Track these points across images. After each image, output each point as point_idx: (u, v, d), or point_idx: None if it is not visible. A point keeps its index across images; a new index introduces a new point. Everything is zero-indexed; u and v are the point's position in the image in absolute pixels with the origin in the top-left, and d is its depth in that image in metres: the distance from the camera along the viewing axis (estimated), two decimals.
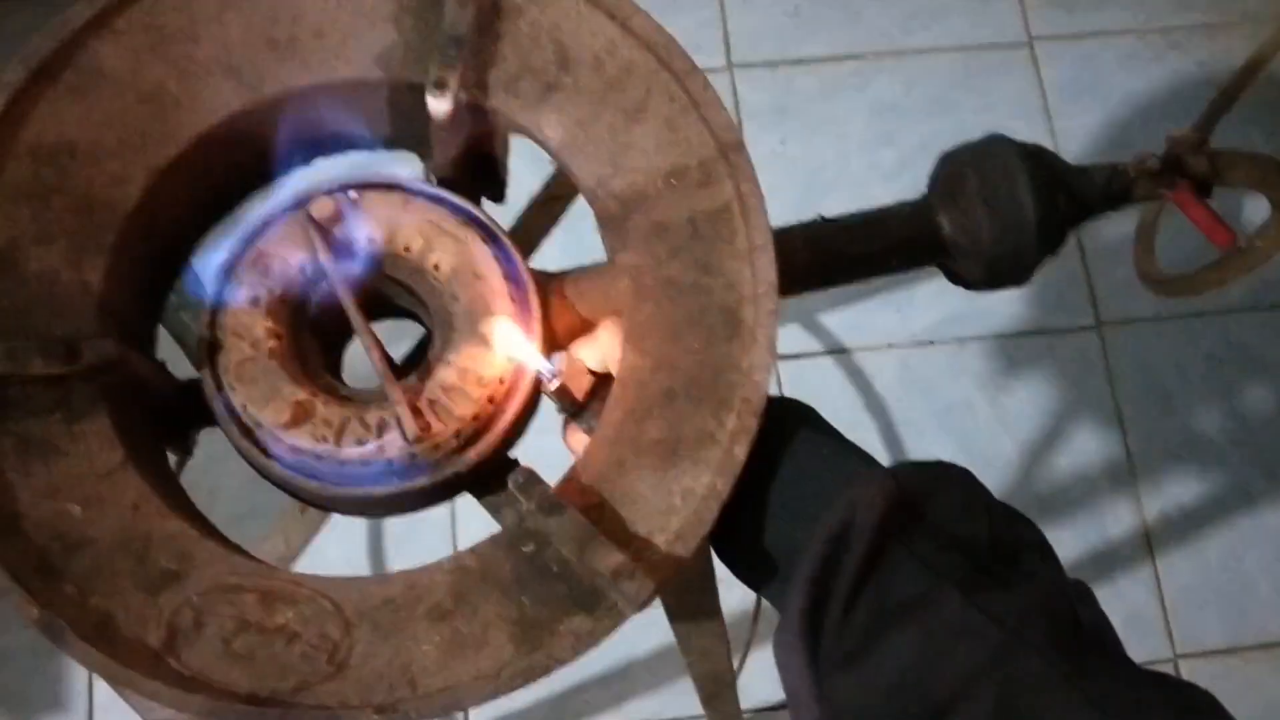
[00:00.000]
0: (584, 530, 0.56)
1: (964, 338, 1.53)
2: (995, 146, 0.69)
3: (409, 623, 0.57)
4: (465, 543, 0.59)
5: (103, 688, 1.33)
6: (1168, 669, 1.41)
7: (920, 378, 1.51)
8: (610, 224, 0.64)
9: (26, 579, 0.55)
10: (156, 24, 0.63)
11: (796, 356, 1.50)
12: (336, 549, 1.20)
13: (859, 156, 1.60)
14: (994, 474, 1.47)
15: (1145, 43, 1.65)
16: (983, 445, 1.49)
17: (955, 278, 0.73)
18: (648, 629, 1.35)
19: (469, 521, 1.36)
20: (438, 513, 1.39)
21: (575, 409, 0.63)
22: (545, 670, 0.54)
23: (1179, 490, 1.48)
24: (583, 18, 0.64)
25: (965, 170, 0.69)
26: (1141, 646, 1.42)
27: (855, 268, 0.70)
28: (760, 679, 1.35)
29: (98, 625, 0.55)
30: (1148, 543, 1.46)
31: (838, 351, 1.52)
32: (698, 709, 1.31)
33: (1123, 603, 1.44)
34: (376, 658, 0.56)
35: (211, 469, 0.72)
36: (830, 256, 0.69)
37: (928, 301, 1.53)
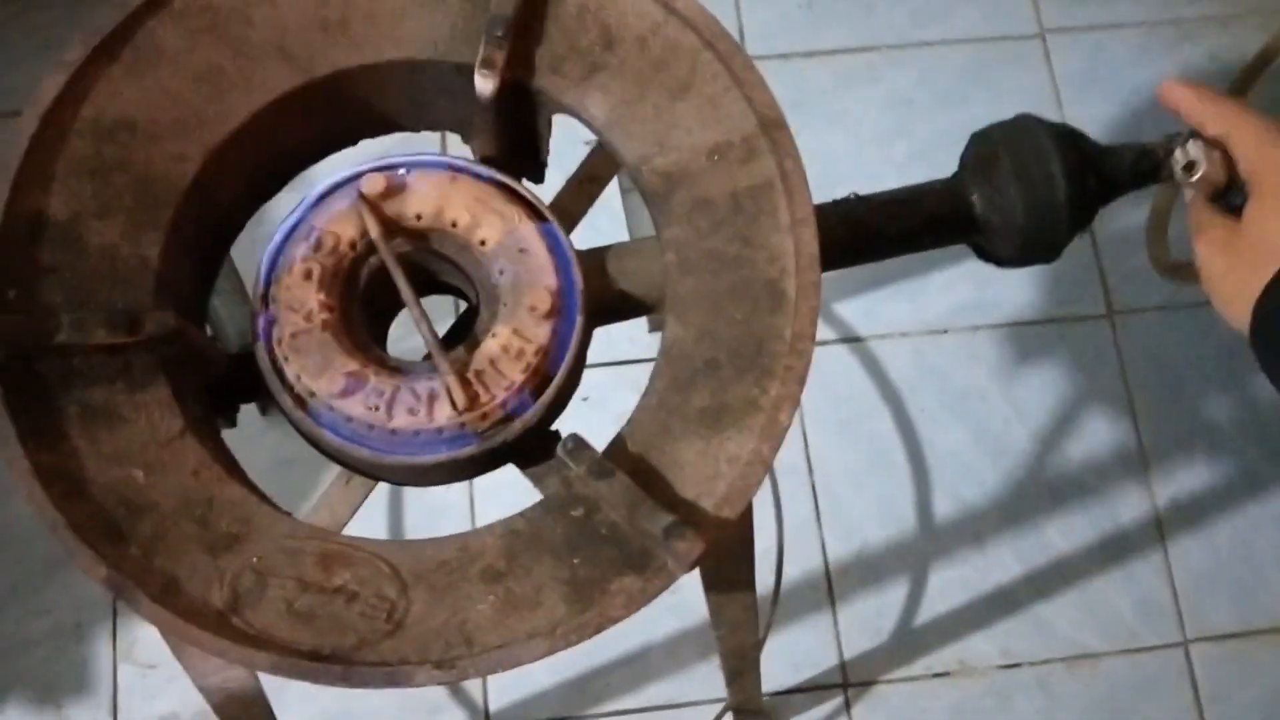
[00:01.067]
0: (633, 494, 0.58)
1: (976, 326, 1.54)
2: (1027, 126, 0.71)
3: (463, 583, 0.58)
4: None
5: (126, 674, 1.35)
6: (1178, 653, 1.43)
7: (933, 366, 1.53)
8: (654, 199, 0.65)
9: (94, 541, 0.56)
10: (212, 5, 0.65)
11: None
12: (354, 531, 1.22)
13: (872, 149, 1.61)
14: (1007, 461, 1.49)
15: (1156, 34, 1.67)
16: (996, 433, 1.50)
17: (985, 255, 0.74)
18: (666, 614, 1.37)
19: (486, 506, 1.38)
20: (457, 497, 1.41)
21: (1219, 191, 0.64)
22: (598, 628, 0.56)
23: (1190, 477, 1.50)
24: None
25: (997, 149, 0.70)
26: (1152, 630, 1.44)
27: (889, 245, 0.72)
28: (779, 662, 1.38)
29: (164, 586, 0.56)
30: (1159, 528, 1.48)
31: (852, 340, 1.53)
32: (717, 693, 1.33)
33: (1134, 587, 1.45)
34: (433, 617, 0.57)
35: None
36: (865, 233, 0.70)
37: (940, 290, 1.55)
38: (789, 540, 1.30)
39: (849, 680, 1.41)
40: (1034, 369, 1.53)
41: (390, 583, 0.58)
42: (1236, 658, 1.44)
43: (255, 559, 0.58)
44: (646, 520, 0.57)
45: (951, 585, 1.44)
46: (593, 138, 0.78)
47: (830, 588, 1.43)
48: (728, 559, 0.73)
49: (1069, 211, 0.69)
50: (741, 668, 0.94)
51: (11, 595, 1.35)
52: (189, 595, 0.56)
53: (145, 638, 1.35)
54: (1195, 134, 0.67)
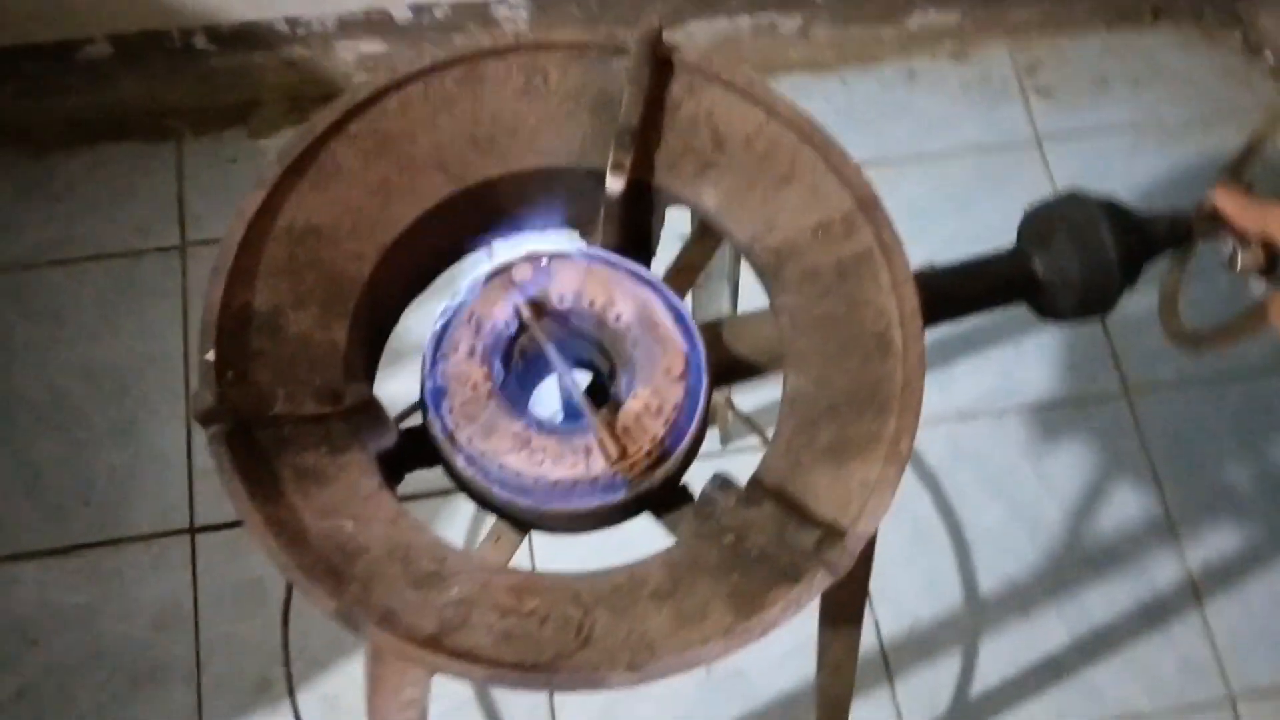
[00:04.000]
0: (781, 517, 0.67)
1: (1003, 410, 1.64)
2: (1076, 199, 0.82)
3: (636, 603, 0.67)
4: None
5: None
6: (1226, 711, 1.50)
7: (967, 449, 1.62)
8: (767, 272, 0.76)
9: (321, 579, 0.65)
10: (381, 128, 0.76)
11: None
12: None
13: None
14: (1043, 536, 1.57)
15: (1144, 136, 1.81)
16: (1030, 510, 1.59)
17: (1045, 312, 0.85)
18: (734, 699, 1.43)
19: None
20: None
21: (1265, 271, 0.76)
22: (764, 631, 0.64)
23: (1218, 540, 1.58)
24: (734, 105, 0.78)
25: (1053, 220, 0.81)
26: (1197, 689, 1.51)
27: (962, 305, 0.82)
28: None
29: (383, 616, 0.65)
30: (1194, 591, 1.56)
31: None
32: None
33: (1176, 650, 1.53)
34: (616, 632, 0.66)
35: None
36: (941, 296, 0.81)
37: (967, 377, 1.65)
38: None
39: None
40: (1060, 447, 1.63)
41: (574, 605, 0.67)
42: None
43: (456, 591, 0.66)
44: (796, 538, 0.65)
45: (1002, 656, 1.51)
46: (687, 231, 0.90)
47: (887, 665, 1.50)
48: (848, 585, 0.81)
49: (1120, 269, 0.80)
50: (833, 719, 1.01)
51: (96, 713, 1.40)
52: (405, 623, 0.65)
53: None
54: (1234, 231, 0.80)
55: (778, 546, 0.66)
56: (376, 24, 1.63)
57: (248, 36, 1.61)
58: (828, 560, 0.64)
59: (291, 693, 1.29)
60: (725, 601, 0.66)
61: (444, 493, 1.45)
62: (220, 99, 1.70)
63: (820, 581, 0.65)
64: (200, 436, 1.52)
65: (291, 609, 1.28)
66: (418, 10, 1.62)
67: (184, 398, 1.55)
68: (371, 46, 1.66)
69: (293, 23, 1.61)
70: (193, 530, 1.48)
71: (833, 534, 0.66)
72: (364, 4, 1.60)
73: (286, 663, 1.14)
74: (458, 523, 1.48)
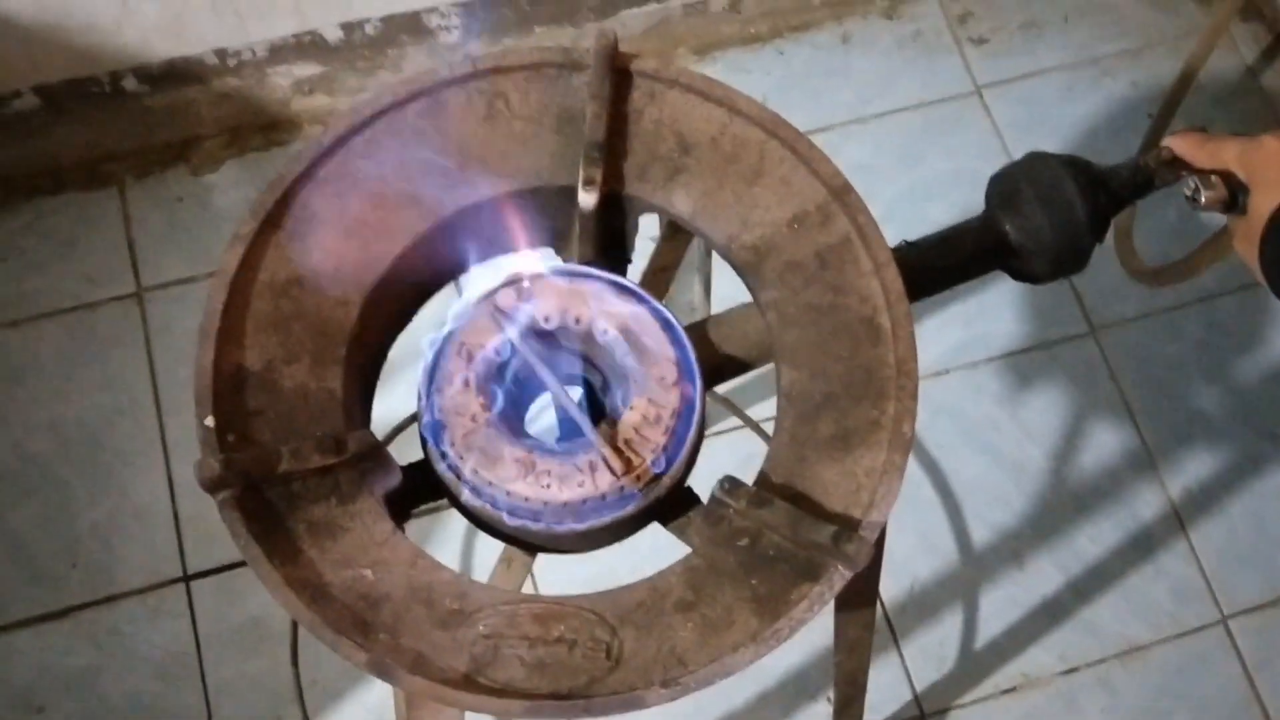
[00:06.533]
0: (793, 515, 0.67)
1: (975, 362, 1.66)
2: (1040, 161, 0.83)
3: (662, 617, 0.67)
4: None
5: None
6: (1219, 630, 1.53)
7: (943, 404, 1.64)
8: (748, 270, 0.76)
9: (348, 632, 0.65)
10: (351, 170, 0.76)
11: None
12: None
13: None
14: (1027, 481, 1.60)
15: (1079, 74, 1.83)
16: (1012, 456, 1.61)
17: (1021, 275, 0.86)
18: (747, 682, 1.44)
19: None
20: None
21: (1228, 205, 0.78)
22: (790, 631, 0.65)
23: (1196, 465, 1.62)
24: (696, 108, 0.78)
25: (1019, 184, 0.82)
26: (1191, 613, 1.54)
27: (941, 279, 0.83)
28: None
29: (414, 661, 0.65)
30: (1178, 519, 1.59)
31: None
32: None
33: (1166, 577, 1.56)
34: (645, 649, 0.66)
35: None
36: (920, 272, 0.81)
37: (933, 336, 1.67)
38: None
39: (925, 711, 1.49)
40: (1035, 392, 1.65)
41: (600, 627, 0.67)
42: (1273, 625, 1.55)
43: (482, 627, 0.67)
44: (811, 534, 0.66)
45: (1002, 605, 1.54)
46: (658, 234, 0.90)
47: (891, 627, 1.52)
48: (863, 571, 0.82)
49: (1089, 225, 0.81)
50: (851, 695, 1.03)
51: None
52: (437, 665, 0.65)
53: None
54: (1193, 170, 0.82)
55: (794, 545, 0.67)
56: (308, 46, 1.61)
57: (178, 73, 1.59)
58: (845, 554, 0.64)
59: None
60: (749, 606, 0.67)
61: (432, 511, 1.46)
62: (158, 138, 1.67)
63: (840, 576, 0.66)
64: (183, 482, 1.51)
65: (299, 645, 1.28)
66: (348, 28, 1.60)
67: (160, 445, 1.53)
68: (306, 69, 1.64)
69: (221, 54, 1.59)
70: (186, 578, 1.47)
71: (847, 526, 0.67)
72: (293, 28, 1.58)
73: (301, 703, 1.13)
74: (450, 543, 1.48)
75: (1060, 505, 1.59)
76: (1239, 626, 1.54)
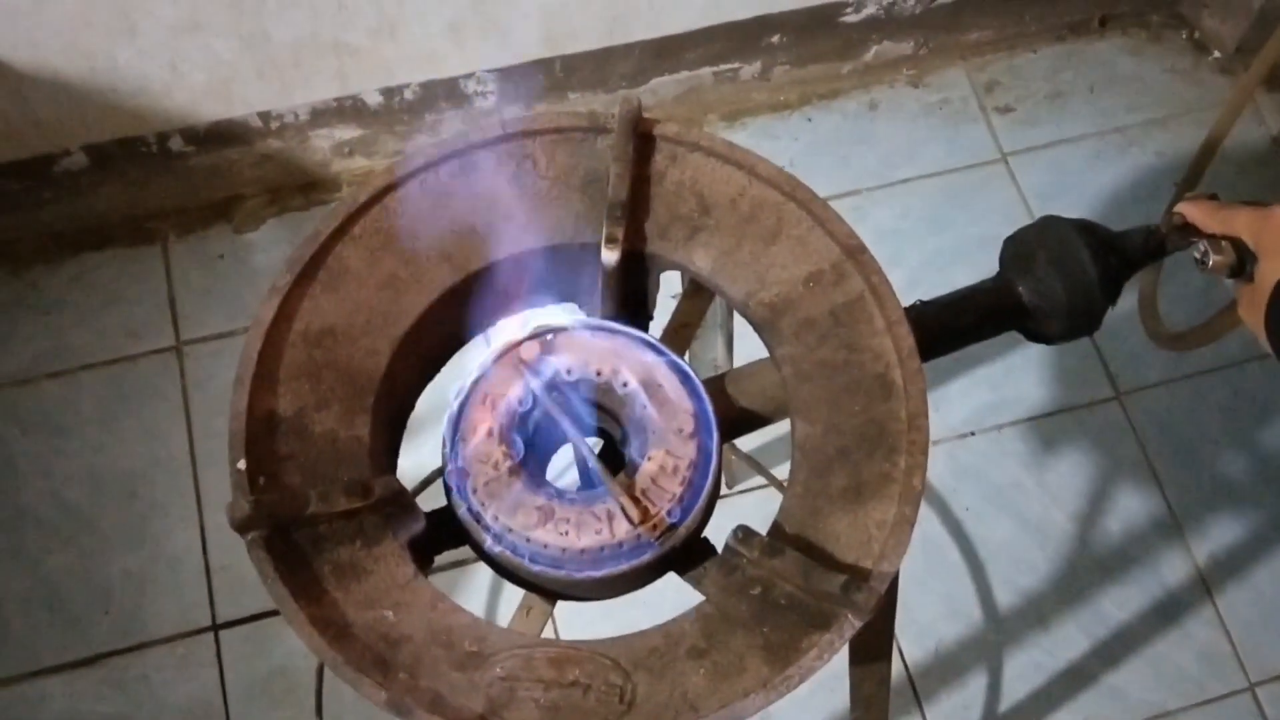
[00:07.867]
0: (805, 564, 0.69)
1: (1001, 425, 1.67)
2: (1052, 224, 0.85)
3: (674, 663, 0.69)
4: None
5: None
6: (1246, 698, 1.52)
7: (969, 467, 1.65)
8: (764, 326, 0.79)
9: (368, 671, 0.67)
10: (384, 226, 0.79)
11: None
12: None
13: None
14: (1052, 545, 1.60)
15: (1105, 142, 1.86)
16: (1038, 520, 1.62)
17: (1034, 336, 0.88)
18: None
19: None
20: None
21: (1236, 270, 0.81)
22: (800, 680, 0.67)
23: (1222, 532, 1.61)
24: (716, 170, 0.81)
25: (1032, 247, 0.84)
26: (1218, 680, 1.53)
27: (955, 338, 0.85)
28: None
29: (432, 702, 0.66)
30: (1204, 585, 1.58)
31: None
32: None
33: (1193, 643, 1.55)
34: (658, 694, 0.68)
35: None
36: (934, 331, 0.83)
37: (960, 399, 1.68)
38: None
39: None
40: (1061, 456, 1.66)
41: (614, 672, 0.69)
42: None
43: (499, 669, 0.68)
44: (822, 583, 0.68)
45: (1026, 669, 1.54)
46: (679, 292, 0.92)
47: (915, 690, 1.52)
48: (875, 623, 0.83)
49: (1101, 287, 0.83)
50: None
51: None
52: (454, 706, 0.66)
53: None
54: (1204, 235, 0.84)
55: (805, 594, 0.69)
56: (349, 110, 1.66)
57: (223, 134, 1.65)
58: (855, 603, 0.66)
59: None
60: (760, 653, 0.68)
61: (459, 564, 1.48)
62: (201, 197, 1.73)
63: (850, 625, 0.67)
64: (215, 533, 1.54)
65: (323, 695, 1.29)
66: (389, 93, 1.65)
67: (194, 496, 1.56)
68: (346, 132, 1.69)
69: (265, 117, 1.64)
70: (215, 627, 1.49)
71: (857, 576, 0.68)
72: (335, 92, 1.63)
73: None
74: (476, 594, 1.50)
75: (1086, 569, 1.59)
76: (1266, 694, 1.53)
